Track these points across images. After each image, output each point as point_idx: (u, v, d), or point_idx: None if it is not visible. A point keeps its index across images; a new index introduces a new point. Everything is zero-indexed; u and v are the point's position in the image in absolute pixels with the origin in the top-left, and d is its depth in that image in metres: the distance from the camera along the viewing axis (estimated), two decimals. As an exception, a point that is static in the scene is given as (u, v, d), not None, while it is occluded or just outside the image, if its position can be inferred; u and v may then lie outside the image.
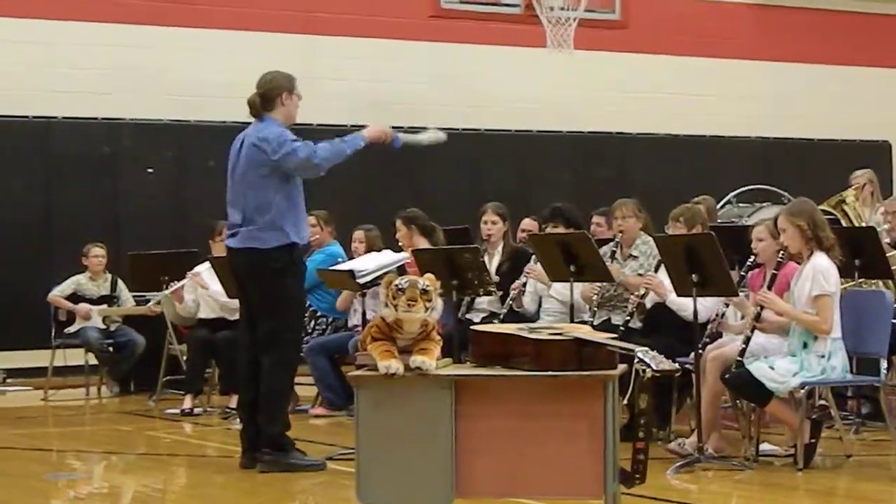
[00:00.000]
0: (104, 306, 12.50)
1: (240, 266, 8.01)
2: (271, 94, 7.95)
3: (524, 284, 9.60)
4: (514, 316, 9.41)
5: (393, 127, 8.18)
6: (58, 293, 12.48)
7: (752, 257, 8.03)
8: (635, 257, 9.12)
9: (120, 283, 12.65)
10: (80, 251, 12.66)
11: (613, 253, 9.10)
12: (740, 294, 8.00)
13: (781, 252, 7.67)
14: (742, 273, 8.22)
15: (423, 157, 15.12)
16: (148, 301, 12.27)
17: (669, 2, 16.74)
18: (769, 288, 7.65)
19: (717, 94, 16.74)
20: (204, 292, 11.17)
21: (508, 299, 9.57)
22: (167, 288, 11.34)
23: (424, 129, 8.25)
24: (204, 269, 11.19)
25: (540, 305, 9.65)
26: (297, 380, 8.63)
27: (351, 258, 10.17)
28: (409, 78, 15.34)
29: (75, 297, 12.48)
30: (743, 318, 8.06)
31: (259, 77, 8.07)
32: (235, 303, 9.76)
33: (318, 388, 10.63)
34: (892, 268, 8.90)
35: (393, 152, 8.30)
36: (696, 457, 7.59)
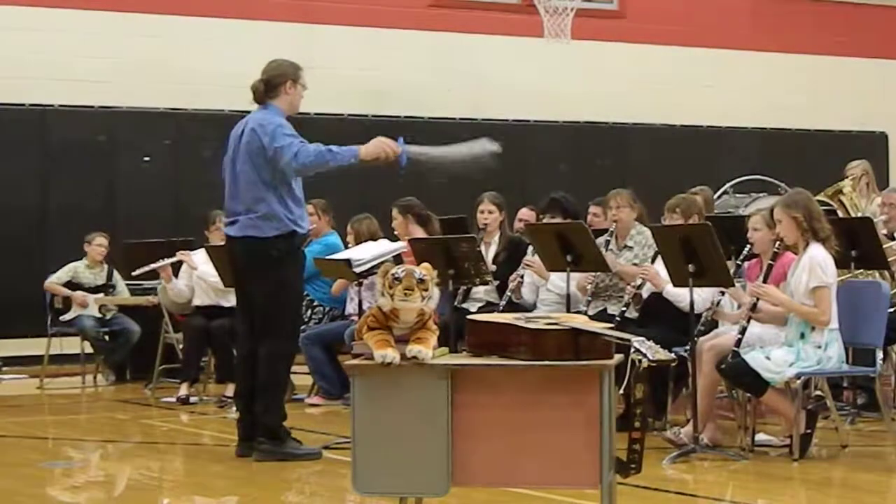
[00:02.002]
0: (101, 295, 12.50)
1: (238, 255, 7.97)
2: (275, 81, 7.90)
3: (522, 276, 9.59)
4: (513, 307, 9.41)
5: (393, 136, 7.60)
6: (55, 280, 12.46)
7: (748, 247, 8.03)
8: (630, 248, 9.12)
9: (116, 272, 12.64)
10: (75, 239, 12.63)
11: (608, 243, 9.09)
12: (737, 284, 8.01)
13: (778, 243, 7.67)
14: (738, 263, 8.22)
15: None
16: (143, 290, 12.27)
17: (667, -8, 16.77)
18: (765, 280, 7.66)
19: (715, 84, 16.75)
20: (197, 277, 11.11)
21: (507, 291, 9.56)
22: (164, 260, 11.23)
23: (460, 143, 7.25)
24: (199, 257, 11.16)
25: (537, 296, 9.65)
26: (293, 369, 8.62)
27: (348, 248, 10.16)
28: (406, 67, 15.32)
29: (71, 285, 12.47)
30: (739, 307, 8.06)
31: (264, 65, 8.00)
32: (223, 280, 9.86)
33: (314, 377, 10.63)
34: (889, 259, 8.91)
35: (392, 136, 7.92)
36: (691, 447, 7.60)
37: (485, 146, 7.24)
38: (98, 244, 12.55)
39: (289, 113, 7.93)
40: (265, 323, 7.84)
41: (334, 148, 7.73)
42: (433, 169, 7.48)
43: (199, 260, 11.07)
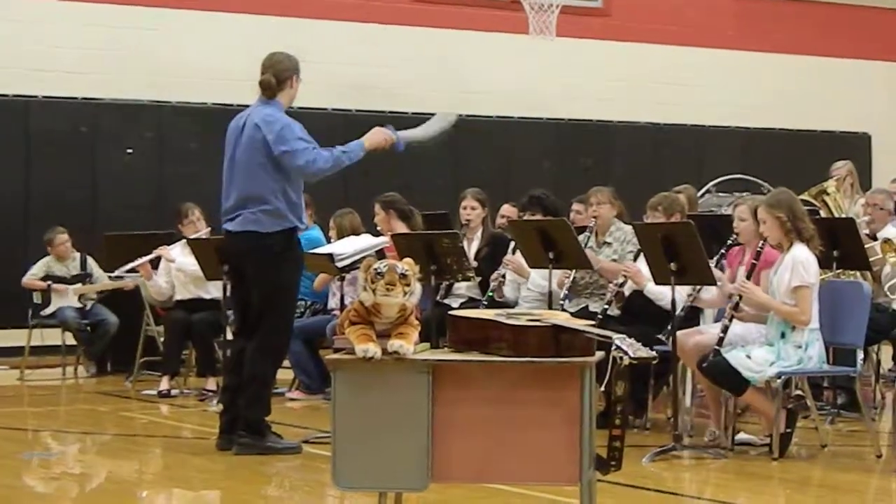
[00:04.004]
0: (79, 285, 12.47)
1: (238, 249, 7.89)
2: (283, 76, 7.86)
3: (503, 275, 9.58)
4: (495, 305, 9.39)
5: (382, 124, 7.95)
6: (31, 276, 12.46)
7: (734, 236, 8.04)
8: (609, 244, 9.13)
9: (90, 260, 12.61)
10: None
11: (588, 239, 9.09)
12: (718, 272, 8.05)
13: (761, 242, 7.69)
14: (723, 251, 8.21)
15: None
16: (119, 276, 12.25)
17: (652, -10, 16.79)
18: (748, 278, 7.67)
19: (699, 83, 16.77)
20: (176, 270, 11.06)
21: (489, 290, 9.55)
22: (142, 258, 11.19)
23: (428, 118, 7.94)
24: (176, 250, 11.12)
25: (519, 293, 9.64)
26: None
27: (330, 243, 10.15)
28: (391, 63, 15.30)
29: (47, 280, 12.45)
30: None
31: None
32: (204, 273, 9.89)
33: (295, 371, 10.62)
34: (871, 259, 8.93)
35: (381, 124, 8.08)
36: (672, 445, 7.61)
37: (448, 119, 7.96)
38: (59, 243, 12.53)
39: (287, 106, 7.90)
40: (257, 318, 7.79)
41: (345, 148, 7.80)
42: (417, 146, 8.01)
43: (177, 252, 11.05)
